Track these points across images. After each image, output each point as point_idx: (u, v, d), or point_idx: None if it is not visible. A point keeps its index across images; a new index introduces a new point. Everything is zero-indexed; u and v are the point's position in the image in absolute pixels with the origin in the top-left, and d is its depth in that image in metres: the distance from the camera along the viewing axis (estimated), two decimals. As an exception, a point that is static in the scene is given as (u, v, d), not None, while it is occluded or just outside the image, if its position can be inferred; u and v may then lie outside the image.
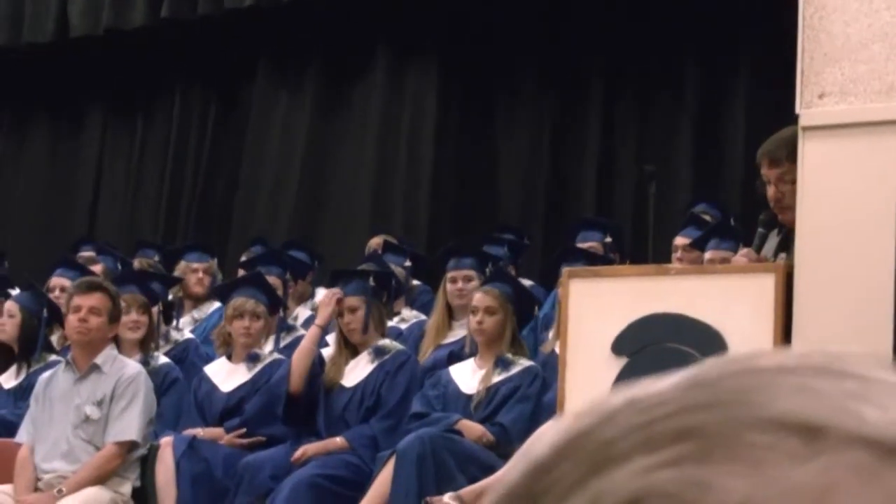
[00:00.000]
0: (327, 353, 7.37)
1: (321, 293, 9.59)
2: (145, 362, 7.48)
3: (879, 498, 0.50)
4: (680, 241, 8.01)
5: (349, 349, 7.25)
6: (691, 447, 0.53)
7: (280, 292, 8.34)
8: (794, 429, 0.52)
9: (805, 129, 4.39)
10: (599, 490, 0.53)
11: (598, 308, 4.86)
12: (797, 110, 4.39)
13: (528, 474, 0.56)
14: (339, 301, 7.23)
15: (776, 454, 0.52)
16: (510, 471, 0.57)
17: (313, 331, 7.29)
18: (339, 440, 6.99)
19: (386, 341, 7.28)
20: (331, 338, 7.50)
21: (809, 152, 4.38)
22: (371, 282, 7.39)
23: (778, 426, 0.52)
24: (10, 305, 8.13)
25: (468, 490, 6.20)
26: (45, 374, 7.14)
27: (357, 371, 7.17)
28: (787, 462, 0.51)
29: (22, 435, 6.96)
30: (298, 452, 6.95)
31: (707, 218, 8.41)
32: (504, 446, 6.55)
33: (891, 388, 0.54)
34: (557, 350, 5.60)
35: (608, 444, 0.54)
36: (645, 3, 10.42)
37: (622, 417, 0.55)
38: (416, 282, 9.22)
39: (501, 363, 6.87)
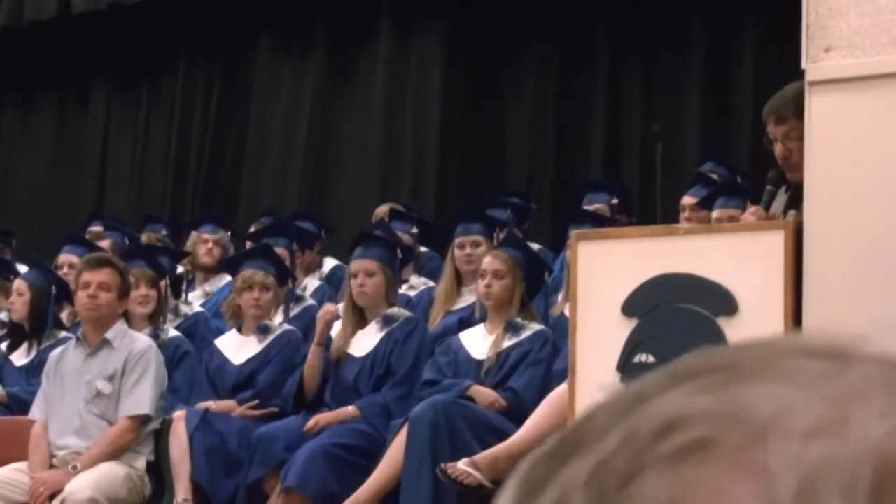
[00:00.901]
0: (335, 325, 7.36)
1: (329, 262, 9.59)
2: (155, 336, 7.49)
3: None
4: (687, 200, 8.00)
5: (357, 317, 7.23)
6: (723, 376, 0.56)
7: (287, 263, 8.33)
8: (821, 354, 0.56)
9: (812, 83, 4.36)
10: (635, 423, 0.55)
11: (607, 270, 4.83)
12: (803, 65, 4.35)
13: (569, 429, 0.58)
14: (330, 321, 7.22)
15: (808, 373, 0.55)
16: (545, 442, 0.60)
17: (313, 349, 7.25)
18: (351, 409, 6.99)
19: (394, 309, 7.27)
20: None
21: (816, 107, 4.35)
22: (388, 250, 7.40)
23: (805, 353, 0.56)
24: (18, 284, 8.14)
25: (482, 456, 6.19)
26: (56, 351, 7.14)
27: (366, 340, 7.16)
28: (819, 377, 0.55)
29: (35, 412, 6.97)
30: (311, 422, 6.96)
31: (714, 177, 8.39)
32: (516, 411, 6.55)
33: None
34: (567, 313, 5.59)
35: (641, 390, 0.58)
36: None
37: (653, 373, 0.59)
38: (423, 248, 9.20)
39: (511, 328, 6.86)
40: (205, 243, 9.55)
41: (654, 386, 0.57)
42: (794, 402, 0.54)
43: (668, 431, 0.55)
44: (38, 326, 7.96)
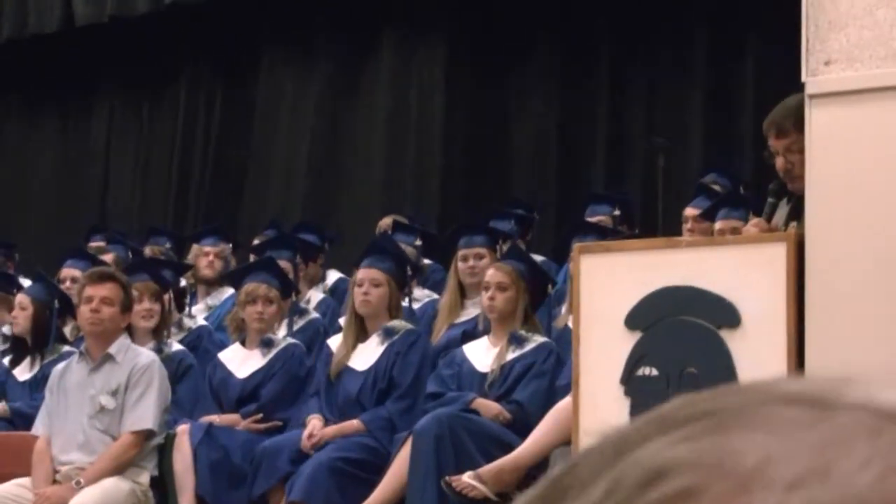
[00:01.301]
0: (336, 339, 7.36)
1: (333, 275, 9.59)
2: (159, 350, 7.48)
3: (885, 447, 0.54)
4: (690, 211, 7.99)
5: (358, 329, 7.22)
6: (707, 423, 0.56)
7: (291, 276, 8.32)
8: (806, 401, 0.56)
9: (812, 96, 4.36)
10: (620, 472, 0.55)
11: (609, 283, 4.83)
12: (803, 78, 4.36)
13: (556, 475, 0.58)
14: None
15: (790, 422, 0.55)
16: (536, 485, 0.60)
17: None
18: (355, 423, 6.98)
19: (395, 322, 7.26)
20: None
21: (816, 120, 4.35)
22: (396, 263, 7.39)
23: (789, 400, 0.56)
24: (21, 298, 8.14)
25: (487, 468, 6.19)
26: (60, 366, 7.14)
27: (368, 354, 7.15)
28: (801, 426, 0.55)
29: (38, 427, 6.96)
30: (316, 437, 6.93)
31: (717, 188, 8.39)
32: (521, 423, 6.55)
33: (883, 379, 0.59)
34: (571, 324, 5.59)
35: (627, 435, 0.58)
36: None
37: (636, 421, 0.59)
38: (427, 261, 9.20)
39: (515, 340, 6.85)
40: (206, 256, 9.56)
41: (639, 433, 0.57)
42: (776, 452, 0.54)
43: (654, 481, 0.55)
44: (40, 341, 7.96)
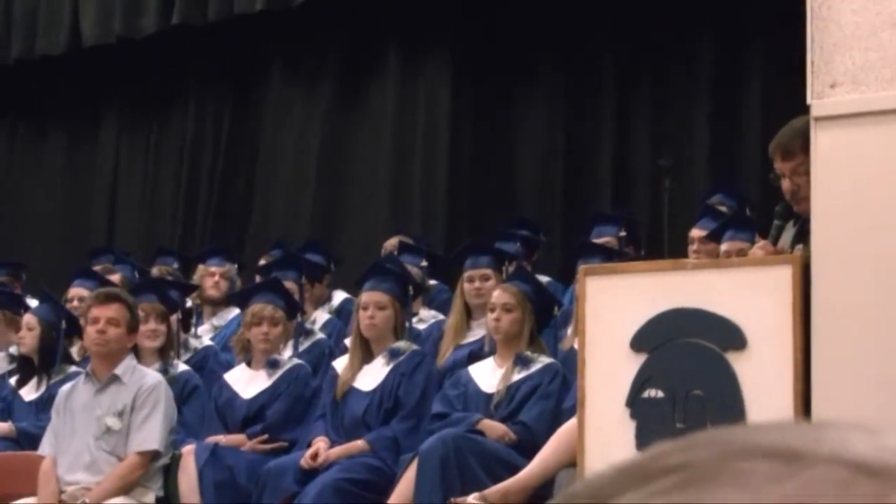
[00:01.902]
0: (341, 361, 7.36)
1: (339, 295, 9.59)
2: (164, 371, 7.49)
3: (855, 500, 0.54)
4: (696, 232, 7.99)
5: (363, 351, 7.22)
6: (679, 477, 0.56)
7: (297, 296, 8.32)
8: (776, 455, 0.56)
9: (817, 119, 4.36)
10: None
11: (615, 305, 4.83)
12: (808, 101, 4.36)
13: None
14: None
15: (760, 476, 0.55)
16: None
17: None
18: (360, 443, 6.98)
19: (400, 343, 7.26)
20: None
21: (822, 142, 4.35)
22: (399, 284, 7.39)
23: (760, 454, 0.56)
24: (28, 318, 8.14)
25: (493, 490, 6.18)
26: (66, 386, 7.14)
27: (374, 374, 7.15)
28: (770, 481, 0.55)
29: (44, 447, 6.96)
30: (321, 458, 6.93)
31: (723, 209, 8.39)
32: (527, 445, 6.54)
33: (860, 428, 0.58)
34: (576, 346, 5.58)
35: (604, 485, 0.58)
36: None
37: (612, 470, 0.59)
38: (433, 281, 9.20)
39: (521, 361, 6.85)
40: (211, 276, 9.57)
41: (615, 484, 0.58)
42: None
43: None
44: (47, 361, 7.97)
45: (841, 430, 0.58)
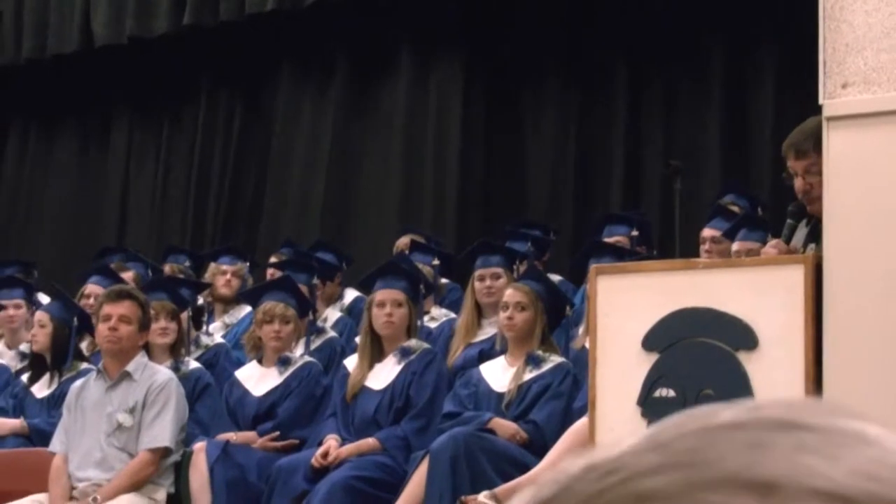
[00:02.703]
0: (352, 359, 7.37)
1: (350, 294, 9.61)
2: (176, 368, 7.50)
3: None
4: (708, 232, 7.98)
5: (375, 350, 7.23)
6: None
7: (308, 294, 8.33)
8: (747, 486, 0.54)
9: (829, 119, 4.36)
10: None
11: (626, 304, 4.83)
12: (821, 101, 4.36)
13: None
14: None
15: None
16: None
17: None
18: (371, 441, 6.99)
19: (412, 341, 7.27)
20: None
21: (834, 143, 4.35)
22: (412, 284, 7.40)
23: (731, 485, 0.54)
24: (40, 315, 8.16)
25: (503, 489, 6.19)
26: (77, 383, 7.16)
27: (385, 373, 7.16)
28: None
29: (55, 444, 6.99)
30: (332, 456, 6.94)
31: (734, 209, 8.38)
32: (537, 444, 6.54)
33: (843, 437, 0.56)
34: (588, 346, 5.59)
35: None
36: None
37: (579, 486, 0.57)
38: (444, 280, 9.21)
39: (532, 360, 6.85)
40: (223, 275, 9.60)
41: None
42: None
43: None
44: (59, 358, 7.99)
45: (823, 442, 0.55)
